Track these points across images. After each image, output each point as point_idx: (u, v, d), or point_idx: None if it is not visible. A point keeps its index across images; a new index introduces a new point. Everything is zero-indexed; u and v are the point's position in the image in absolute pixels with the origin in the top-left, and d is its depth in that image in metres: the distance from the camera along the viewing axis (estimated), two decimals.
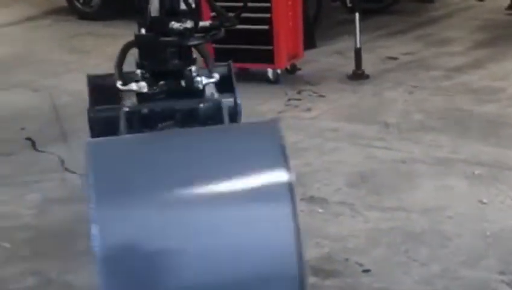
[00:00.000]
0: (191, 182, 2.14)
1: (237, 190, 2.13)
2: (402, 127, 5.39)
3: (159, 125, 2.66)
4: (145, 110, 2.69)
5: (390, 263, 3.61)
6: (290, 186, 2.09)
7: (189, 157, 2.18)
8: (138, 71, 2.77)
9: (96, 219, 2.06)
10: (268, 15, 6.49)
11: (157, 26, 2.68)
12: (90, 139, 2.62)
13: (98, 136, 2.96)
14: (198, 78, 2.78)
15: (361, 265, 3.59)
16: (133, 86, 2.73)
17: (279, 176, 2.11)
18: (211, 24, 2.76)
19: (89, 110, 3.06)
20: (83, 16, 9.39)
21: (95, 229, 2.05)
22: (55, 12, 9.77)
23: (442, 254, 3.59)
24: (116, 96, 2.93)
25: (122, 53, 2.85)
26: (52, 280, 3.65)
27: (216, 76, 2.81)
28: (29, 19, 9.65)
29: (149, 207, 2.10)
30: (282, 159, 2.12)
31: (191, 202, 2.11)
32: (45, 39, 8.64)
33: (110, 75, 3.18)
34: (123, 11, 8.24)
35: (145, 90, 2.70)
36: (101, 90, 3.10)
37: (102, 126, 2.95)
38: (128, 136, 2.59)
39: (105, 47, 7.65)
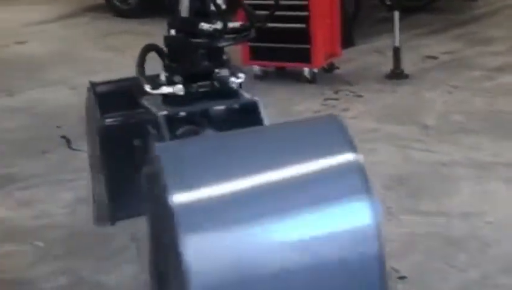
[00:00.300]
0: (276, 190, 2.12)
1: (317, 180, 2.16)
2: (441, 129, 5.27)
3: (179, 130, 2.57)
4: (183, 113, 2.61)
5: (427, 270, 3.51)
6: (364, 174, 2.14)
7: (270, 159, 2.18)
8: (163, 74, 2.70)
9: (188, 252, 1.97)
10: (305, 13, 6.41)
11: (187, 27, 2.62)
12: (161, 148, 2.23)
13: (110, 146, 2.92)
14: (232, 79, 2.72)
15: (397, 271, 3.49)
16: (167, 89, 2.66)
17: (352, 164, 2.17)
18: (241, 25, 2.69)
19: (100, 119, 2.99)
20: (120, 14, 9.42)
21: (189, 267, 1.96)
22: (93, 9, 9.83)
23: (481, 261, 3.48)
24: (128, 102, 2.90)
25: (142, 56, 2.78)
26: (84, 279, 3.63)
27: (242, 76, 2.74)
28: (68, 16, 9.72)
29: (237, 225, 2.05)
30: (352, 149, 2.18)
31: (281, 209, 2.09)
32: (83, 37, 8.69)
33: (115, 81, 3.13)
34: (159, 9, 8.22)
35: (181, 93, 2.63)
36: (110, 98, 3.06)
37: (117, 134, 2.90)
38: (192, 142, 2.40)
39: (141, 45, 7.64)
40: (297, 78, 6.62)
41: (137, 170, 2.84)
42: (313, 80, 6.57)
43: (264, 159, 2.16)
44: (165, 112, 2.59)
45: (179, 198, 2.01)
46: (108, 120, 3.04)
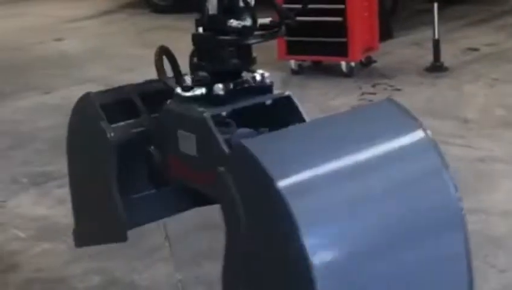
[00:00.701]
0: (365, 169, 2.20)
1: (399, 158, 2.28)
2: (482, 123, 5.15)
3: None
4: (225, 113, 2.56)
5: None
6: (439, 150, 2.28)
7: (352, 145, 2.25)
8: (187, 76, 2.65)
9: (309, 242, 1.98)
10: (342, 6, 6.34)
11: (216, 25, 2.57)
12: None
13: (122, 158, 2.83)
14: (266, 74, 2.68)
15: None
16: (200, 90, 2.61)
17: (426, 142, 2.29)
18: (271, 21, 2.63)
19: (111, 129, 2.82)
20: (158, 10, 9.43)
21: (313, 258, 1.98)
22: (131, 6, 9.86)
23: None
24: (130, 111, 2.84)
25: (160, 59, 2.76)
26: (117, 279, 3.62)
27: (263, 72, 2.71)
28: (106, 12, 9.77)
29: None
30: (422, 128, 2.28)
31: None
32: (120, 33, 8.72)
33: (115, 89, 3.01)
34: (196, 4, 8.20)
35: (222, 92, 2.58)
36: (114, 107, 2.88)
37: (128, 145, 2.82)
38: (275, 135, 2.34)
39: (178, 41, 7.59)
40: (334, 72, 6.54)
41: (153, 179, 2.83)
42: (350, 74, 6.49)
43: (348, 145, 2.23)
44: (211, 113, 2.53)
45: (289, 189, 2.02)
46: (117, 131, 2.85)
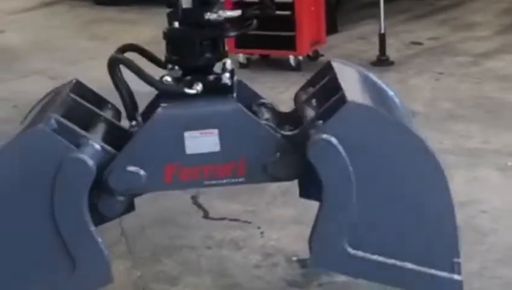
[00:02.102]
0: None
1: None
2: (430, 116, 5.23)
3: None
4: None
5: None
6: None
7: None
8: (170, 73, 2.62)
9: None
10: (290, 0, 6.33)
11: (193, 18, 2.54)
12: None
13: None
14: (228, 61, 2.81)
15: None
16: (199, 85, 2.63)
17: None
18: (242, 13, 2.63)
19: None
20: (100, 2, 9.27)
21: None
22: None
23: (478, 252, 3.44)
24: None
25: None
26: None
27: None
28: (47, 4, 9.56)
29: None
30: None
31: None
32: (63, 25, 8.55)
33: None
34: None
35: (229, 81, 2.66)
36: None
37: None
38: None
39: (123, 33, 7.54)
40: (282, 66, 6.56)
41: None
42: (298, 67, 6.51)
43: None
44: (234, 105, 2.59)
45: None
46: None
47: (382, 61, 6.51)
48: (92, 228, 2.55)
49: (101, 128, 2.73)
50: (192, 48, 2.60)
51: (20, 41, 7.83)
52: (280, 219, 3.88)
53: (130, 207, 2.81)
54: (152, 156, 2.56)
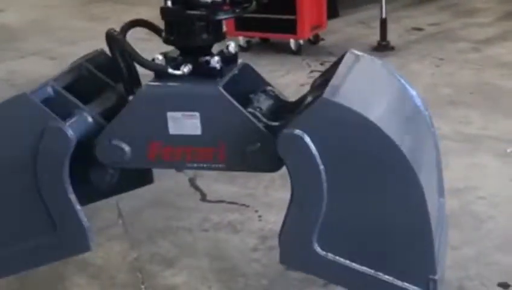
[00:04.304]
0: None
1: None
2: (429, 102, 5.16)
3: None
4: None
5: None
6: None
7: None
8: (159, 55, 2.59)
9: None
10: None
11: None
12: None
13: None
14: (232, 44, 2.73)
15: None
16: (188, 66, 2.56)
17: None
18: None
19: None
20: None
21: None
22: None
23: (475, 237, 3.44)
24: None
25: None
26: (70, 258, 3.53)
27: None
28: None
29: None
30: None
31: None
32: (63, 5, 8.51)
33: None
34: None
35: (218, 65, 2.53)
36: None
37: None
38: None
39: (122, 14, 7.51)
40: (282, 49, 6.53)
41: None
42: (298, 51, 6.49)
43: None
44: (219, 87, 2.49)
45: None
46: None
47: (383, 47, 6.49)
48: (72, 195, 2.55)
49: (108, 100, 2.73)
50: (184, 29, 2.57)
51: (19, 21, 7.80)
52: (278, 202, 3.87)
53: (148, 178, 2.90)
54: (136, 132, 2.56)
